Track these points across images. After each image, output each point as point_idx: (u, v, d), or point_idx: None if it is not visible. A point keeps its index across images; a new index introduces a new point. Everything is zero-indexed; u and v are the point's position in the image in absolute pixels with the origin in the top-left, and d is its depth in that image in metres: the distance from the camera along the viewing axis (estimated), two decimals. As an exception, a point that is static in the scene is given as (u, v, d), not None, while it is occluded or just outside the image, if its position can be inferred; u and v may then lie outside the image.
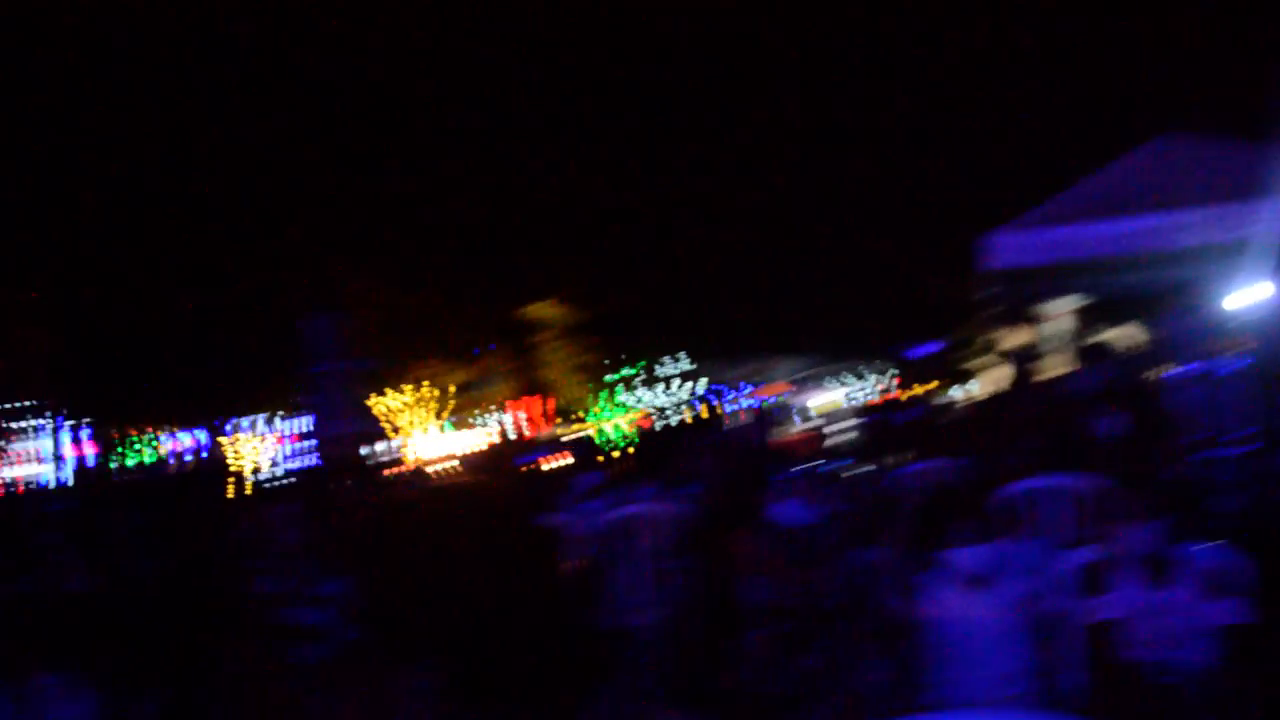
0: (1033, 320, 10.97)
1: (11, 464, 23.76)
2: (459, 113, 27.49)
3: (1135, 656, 3.20)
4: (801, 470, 4.32)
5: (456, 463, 14.76)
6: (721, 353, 30.00)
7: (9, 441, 22.76)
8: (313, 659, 4.11)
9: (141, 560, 5.31)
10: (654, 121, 27.30)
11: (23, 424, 23.24)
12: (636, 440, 13.99)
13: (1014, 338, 11.84)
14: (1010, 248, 8.71)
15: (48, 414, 23.99)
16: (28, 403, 22.48)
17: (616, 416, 28.75)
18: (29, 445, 24.49)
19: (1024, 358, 9.65)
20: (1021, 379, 9.29)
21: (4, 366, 20.10)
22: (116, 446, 25.68)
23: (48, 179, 20.74)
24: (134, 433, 26.71)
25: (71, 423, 25.43)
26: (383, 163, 26.64)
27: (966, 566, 3.53)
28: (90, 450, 25.50)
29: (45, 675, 1.99)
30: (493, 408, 31.70)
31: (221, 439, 27.22)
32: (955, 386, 31.19)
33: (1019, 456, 7.07)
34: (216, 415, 26.39)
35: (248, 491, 10.43)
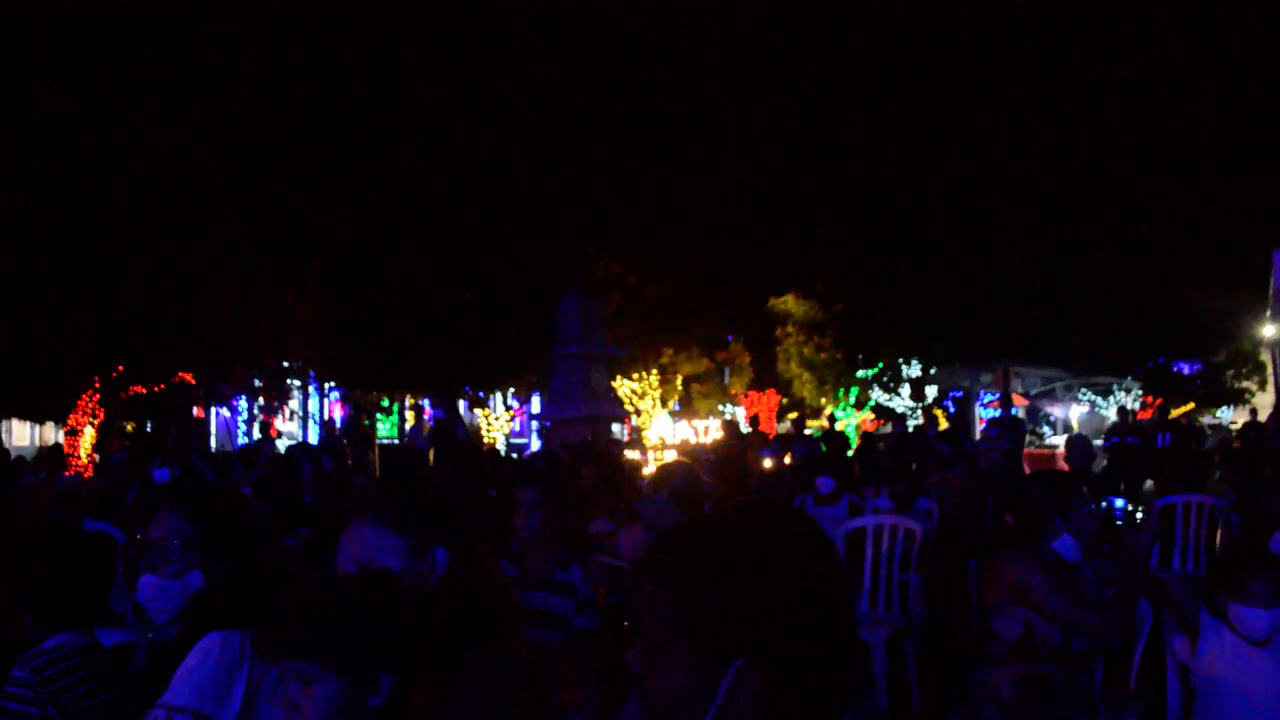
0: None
1: (281, 420, 25.52)
2: (721, 104, 27.70)
3: None
4: (1084, 508, 4.04)
5: (690, 453, 14.89)
6: (960, 359, 29.07)
7: (283, 399, 24.41)
8: (549, 643, 4.22)
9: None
10: (930, 118, 26.63)
11: (291, 383, 24.86)
12: (873, 444, 13.71)
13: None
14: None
15: (310, 376, 25.56)
16: (291, 364, 23.97)
17: (852, 418, 28.34)
18: (292, 405, 26.29)
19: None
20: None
21: (276, 331, 21.56)
22: (370, 412, 27.09)
23: (338, 162, 22.20)
24: (386, 399, 28.23)
25: (329, 385, 27.11)
26: (640, 153, 27.13)
27: (1254, 625, 3.29)
28: (340, 413, 27.09)
29: (291, 660, 2.09)
30: (726, 400, 31.89)
31: (478, 410, 28.45)
32: (1216, 411, 29.36)
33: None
34: (464, 388, 27.54)
35: (491, 468, 10.73)
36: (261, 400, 24.00)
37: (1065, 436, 16.99)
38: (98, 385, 19.85)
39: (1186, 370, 29.89)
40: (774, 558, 1.38)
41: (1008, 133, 26.66)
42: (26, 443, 26.62)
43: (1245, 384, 29.02)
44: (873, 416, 28.79)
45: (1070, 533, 3.95)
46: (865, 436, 16.33)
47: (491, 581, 2.65)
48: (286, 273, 21.69)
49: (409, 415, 27.37)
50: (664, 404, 30.52)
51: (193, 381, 21.42)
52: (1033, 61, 26.58)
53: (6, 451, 16.86)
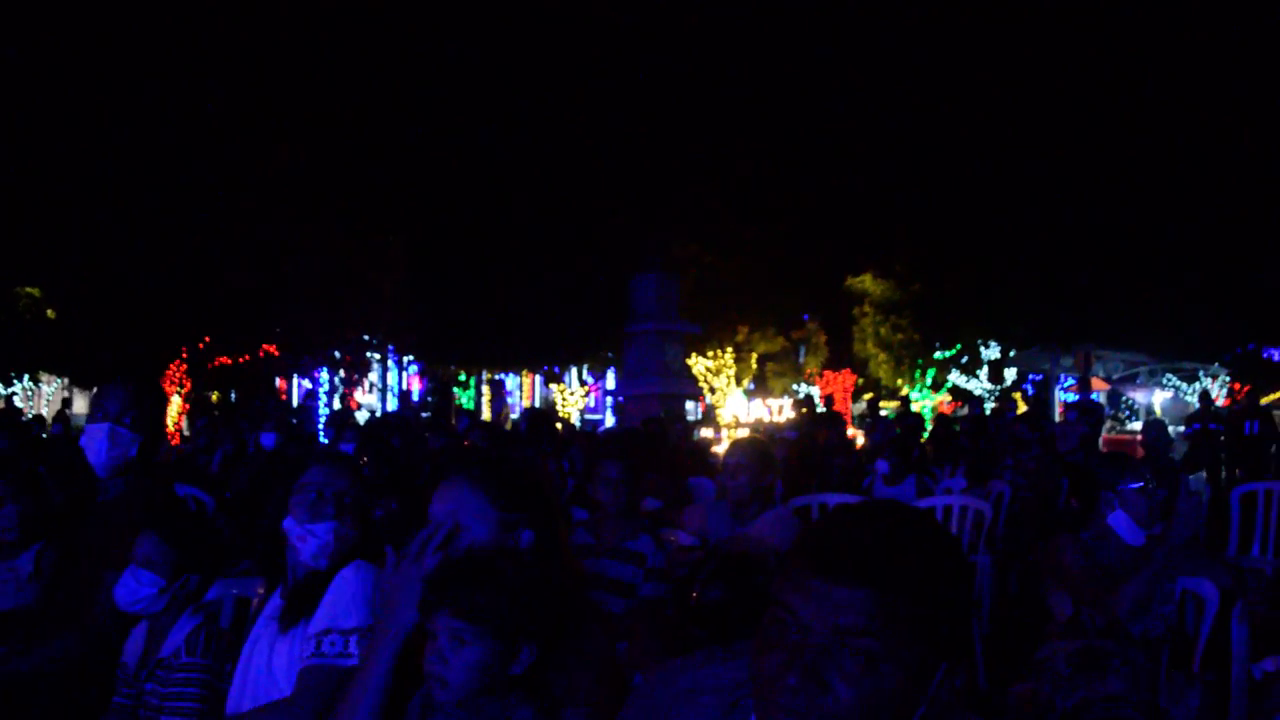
0: None
1: (363, 391, 25.99)
2: (801, 82, 27.51)
3: None
4: (1136, 483, 4.08)
5: (763, 431, 14.91)
6: (1039, 342, 28.60)
7: (363, 372, 24.86)
8: (614, 609, 4.35)
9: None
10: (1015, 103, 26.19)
11: (371, 355, 25.29)
12: (949, 425, 13.61)
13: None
14: None
15: (389, 349, 25.99)
16: (371, 338, 24.38)
17: (929, 399, 28.09)
18: (371, 378, 26.76)
19: None
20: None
21: (358, 304, 21.96)
22: (450, 386, 27.47)
23: (423, 141, 22.55)
24: (464, 372, 28.60)
25: (407, 359, 27.55)
26: (719, 132, 27.08)
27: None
28: (419, 386, 27.50)
29: (452, 619, 2.21)
30: (799, 378, 31.78)
31: (555, 385, 28.72)
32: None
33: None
34: (542, 363, 27.81)
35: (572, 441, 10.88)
36: (342, 373, 24.47)
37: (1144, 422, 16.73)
38: (185, 355, 20.40)
39: (1277, 357, 29.12)
40: (954, 560, 1.50)
41: (1093, 107, 26.12)
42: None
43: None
44: (950, 399, 28.50)
45: (1124, 509, 3.99)
46: (940, 418, 16.16)
47: (571, 562, 2.74)
48: (371, 248, 22.06)
49: (485, 390, 27.71)
50: (739, 383, 30.51)
51: (276, 354, 21.91)
52: (1122, 29, 25.98)
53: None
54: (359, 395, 26.06)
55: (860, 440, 14.24)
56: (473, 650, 2.17)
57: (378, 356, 26.07)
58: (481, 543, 2.46)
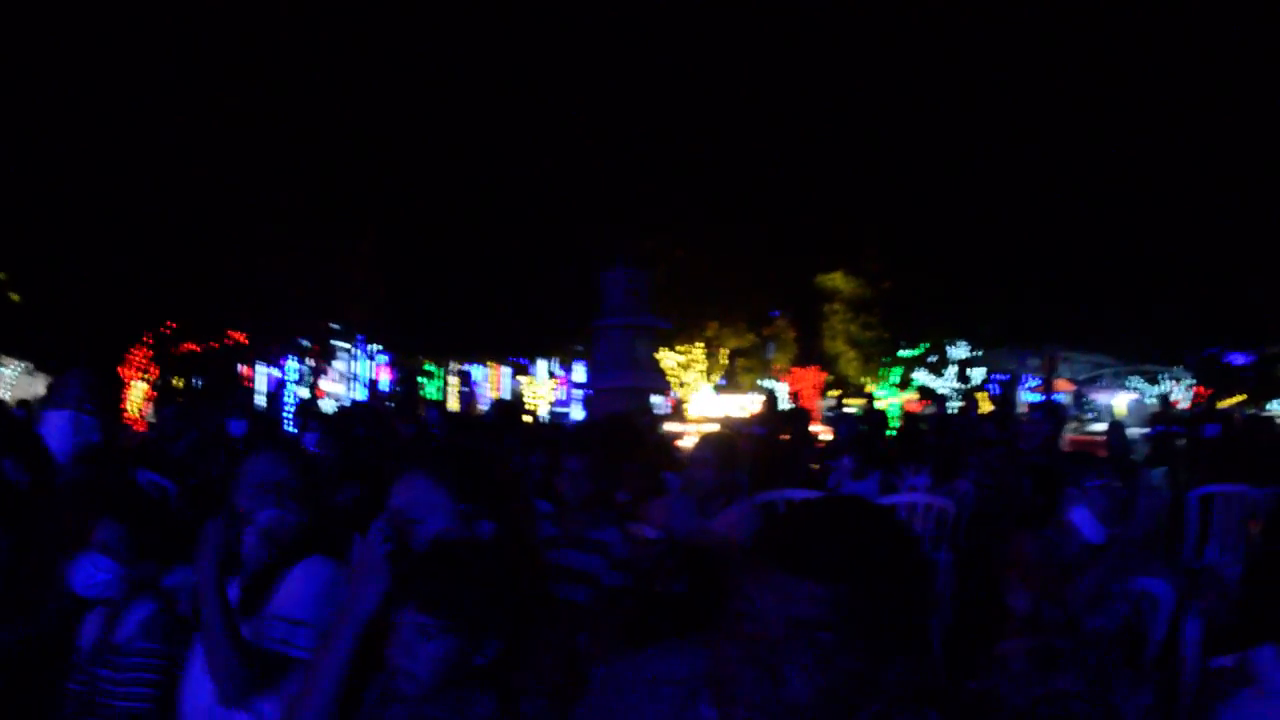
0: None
1: (328, 381, 25.88)
2: (772, 77, 27.55)
3: None
4: (1099, 481, 4.13)
5: (730, 426, 14.91)
6: (1006, 342, 28.82)
7: (328, 360, 24.77)
8: (580, 599, 4.35)
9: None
10: (982, 105, 26.33)
11: (339, 345, 25.19)
12: (916, 424, 13.70)
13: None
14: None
15: (357, 339, 25.88)
16: (337, 326, 24.28)
17: (895, 397, 28.24)
18: (329, 366, 26.63)
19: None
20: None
21: (327, 293, 21.86)
22: (415, 376, 27.38)
23: (394, 132, 22.45)
24: (431, 363, 28.52)
25: (375, 348, 27.43)
26: (693, 128, 27.07)
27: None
28: (388, 376, 27.40)
29: (417, 613, 2.20)
30: (768, 374, 31.86)
31: (523, 377, 28.68)
32: (1269, 403, 28.87)
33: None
34: (508, 355, 27.76)
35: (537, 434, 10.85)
36: (310, 361, 24.36)
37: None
38: (149, 340, 20.22)
39: (1239, 361, 29.42)
40: (912, 556, 1.52)
41: (1060, 111, 26.31)
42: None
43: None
44: (917, 397, 28.65)
45: (1086, 506, 4.04)
46: (908, 416, 16.26)
47: (534, 554, 2.74)
48: (340, 237, 21.97)
49: (452, 380, 27.64)
50: (708, 378, 30.57)
51: (245, 341, 21.78)
52: (1081, 31, 26.15)
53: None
54: (326, 384, 25.95)
55: (828, 437, 14.29)
56: (438, 644, 2.17)
57: (346, 346, 25.95)
58: (441, 534, 2.46)
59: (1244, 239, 25.12)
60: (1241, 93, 24.93)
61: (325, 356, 24.25)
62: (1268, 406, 28.60)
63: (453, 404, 26.89)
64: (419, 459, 2.62)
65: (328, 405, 19.88)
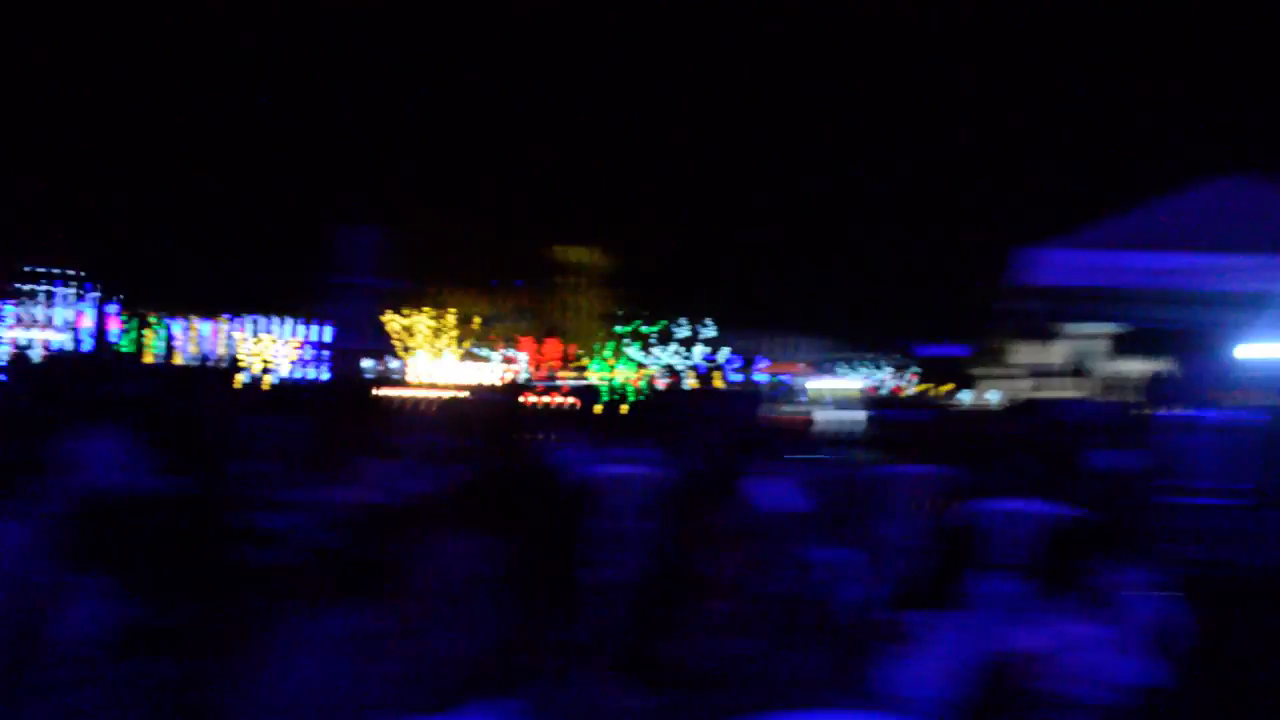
0: (1055, 340, 10.88)
1: (27, 327, 24.10)
2: (531, 54, 27.42)
3: (1043, 689, 3.22)
4: (793, 456, 4.36)
5: (458, 391, 14.84)
6: (747, 324, 29.96)
7: (24, 304, 23.13)
8: (270, 562, 4.20)
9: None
10: (720, 95, 27.05)
11: (41, 288, 23.54)
12: (641, 397, 14.00)
13: (1033, 354, 11.80)
14: (1048, 264, 8.50)
15: (74, 284, 24.27)
16: (54, 270, 22.73)
17: (625, 370, 28.82)
18: (47, 311, 24.84)
19: (1039, 375, 9.62)
20: (1031, 395, 9.29)
21: (30, 231, 20.37)
22: (137, 326, 25.99)
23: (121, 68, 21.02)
24: (152, 315, 27.02)
25: (97, 296, 25.76)
26: (445, 88, 26.66)
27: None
28: (114, 327, 25.86)
29: (78, 574, 2.07)
30: (505, 343, 31.86)
31: (238, 334, 27.49)
32: (968, 392, 31.13)
33: (1009, 475, 7.08)
34: (239, 310, 26.65)
35: (260, 391, 10.50)
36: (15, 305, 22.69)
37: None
38: None
39: (950, 354, 31.55)
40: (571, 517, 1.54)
41: (789, 109, 27.42)
42: None
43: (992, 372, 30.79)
44: (650, 372, 29.33)
45: (786, 478, 4.25)
46: (638, 391, 16.66)
47: (223, 513, 2.66)
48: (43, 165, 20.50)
49: (176, 332, 26.35)
50: (459, 344, 30.30)
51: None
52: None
53: None
54: (42, 332, 24.27)
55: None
56: (106, 604, 2.06)
57: (67, 289, 24.33)
58: (123, 490, 2.35)
59: (971, 246, 26.95)
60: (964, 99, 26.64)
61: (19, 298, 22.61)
62: (961, 396, 30.92)
63: (176, 359, 25.61)
64: (105, 413, 2.50)
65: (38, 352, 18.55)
